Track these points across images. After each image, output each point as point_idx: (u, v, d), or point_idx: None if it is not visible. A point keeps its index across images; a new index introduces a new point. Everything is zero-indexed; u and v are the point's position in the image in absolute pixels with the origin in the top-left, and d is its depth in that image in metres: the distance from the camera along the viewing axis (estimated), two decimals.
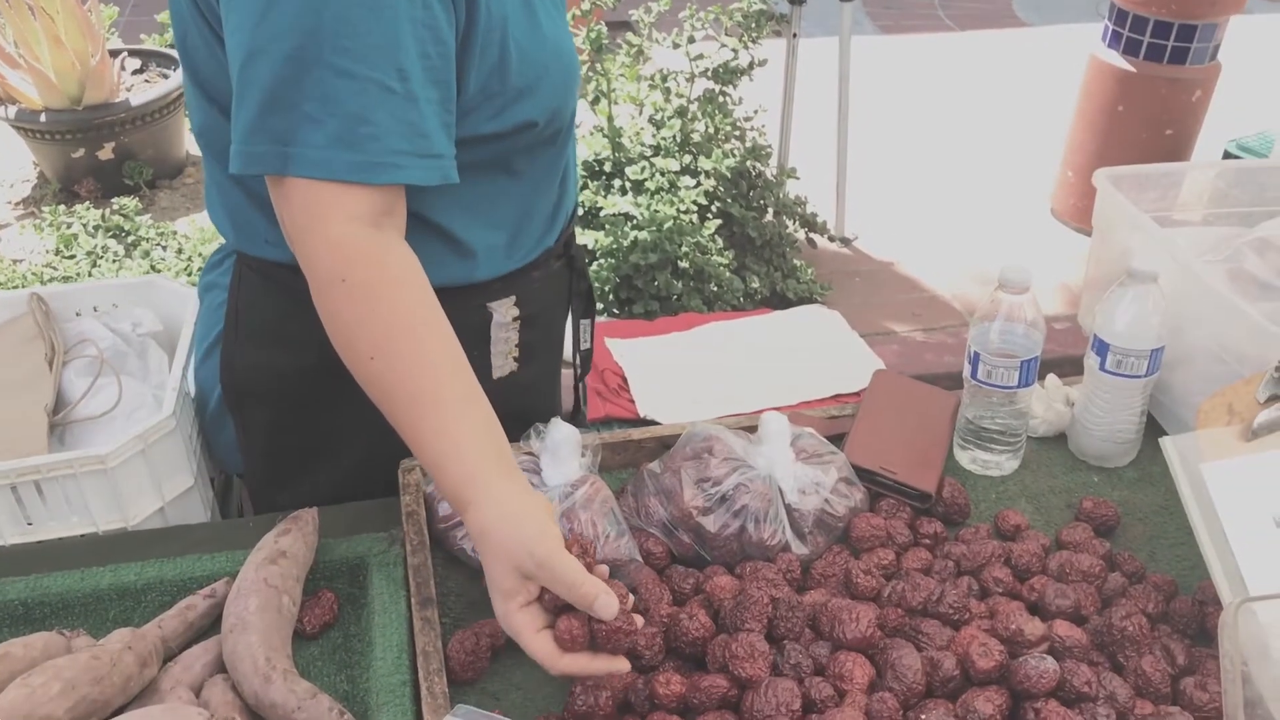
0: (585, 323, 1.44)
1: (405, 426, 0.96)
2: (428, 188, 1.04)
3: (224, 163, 1.15)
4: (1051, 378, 1.40)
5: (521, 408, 1.31)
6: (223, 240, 1.28)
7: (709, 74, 3.17)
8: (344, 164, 0.95)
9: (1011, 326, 1.23)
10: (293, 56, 0.93)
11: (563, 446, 1.15)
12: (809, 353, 2.37)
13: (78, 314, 1.48)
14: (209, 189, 1.23)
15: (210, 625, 1.05)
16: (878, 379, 1.39)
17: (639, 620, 0.93)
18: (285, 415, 1.28)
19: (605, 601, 0.87)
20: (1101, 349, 1.25)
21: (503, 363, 1.30)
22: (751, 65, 3.15)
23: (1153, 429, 1.33)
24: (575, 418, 1.56)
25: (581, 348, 1.46)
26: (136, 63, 3.76)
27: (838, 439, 1.28)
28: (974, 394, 1.27)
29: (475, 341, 1.25)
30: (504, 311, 1.26)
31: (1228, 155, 3.16)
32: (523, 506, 0.92)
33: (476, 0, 1.01)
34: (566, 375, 1.52)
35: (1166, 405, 1.36)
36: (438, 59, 0.98)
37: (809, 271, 3.18)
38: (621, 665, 0.92)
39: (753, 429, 1.22)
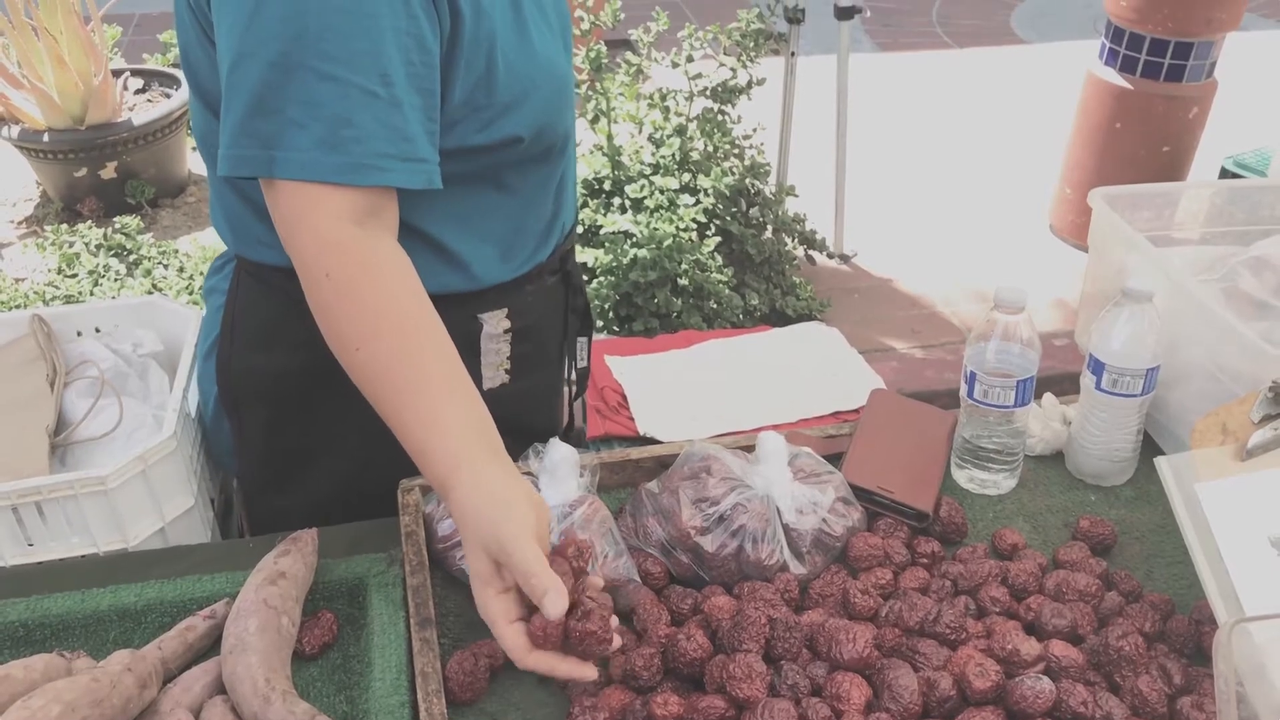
0: (582, 340, 1.45)
1: (391, 415, 0.97)
2: (417, 197, 1.07)
3: (235, 184, 1.17)
4: (1048, 397, 1.41)
5: (515, 421, 1.31)
6: (225, 246, 1.30)
7: (708, 93, 3.19)
8: (329, 166, 0.97)
9: (1008, 346, 1.24)
10: (277, 62, 0.95)
11: (561, 466, 1.15)
12: (808, 370, 2.37)
13: (79, 334, 1.49)
14: (211, 196, 1.26)
15: (210, 646, 1.06)
16: (875, 398, 1.40)
17: (617, 641, 0.93)
18: (280, 418, 1.29)
19: (553, 599, 0.86)
20: (1097, 368, 1.25)
21: (494, 374, 1.30)
22: (750, 84, 3.17)
23: (1149, 448, 1.34)
24: (569, 435, 1.57)
25: (578, 365, 1.46)
26: (139, 82, 3.78)
27: (835, 458, 1.28)
28: (971, 413, 1.28)
29: (465, 351, 1.25)
30: (495, 323, 1.27)
31: (1225, 172, 3.17)
32: (503, 491, 0.92)
33: (460, 13, 1.02)
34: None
35: (1163, 424, 1.36)
36: (422, 66, 1.00)
37: (808, 288, 3.19)
38: (588, 673, 0.91)
39: (750, 448, 1.22)
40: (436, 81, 1.03)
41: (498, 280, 1.25)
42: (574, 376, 1.47)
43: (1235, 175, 3.14)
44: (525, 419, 1.34)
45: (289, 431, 1.29)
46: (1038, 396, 1.39)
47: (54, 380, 1.38)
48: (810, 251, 3.41)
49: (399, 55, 0.97)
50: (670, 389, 2.29)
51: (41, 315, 1.45)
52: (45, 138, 3.39)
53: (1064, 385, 1.47)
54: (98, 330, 1.49)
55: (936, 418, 1.36)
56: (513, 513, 0.91)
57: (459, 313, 1.22)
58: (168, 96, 3.71)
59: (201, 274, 3.01)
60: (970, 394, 1.26)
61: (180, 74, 3.87)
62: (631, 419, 2.20)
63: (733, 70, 3.16)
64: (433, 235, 1.16)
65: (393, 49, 0.97)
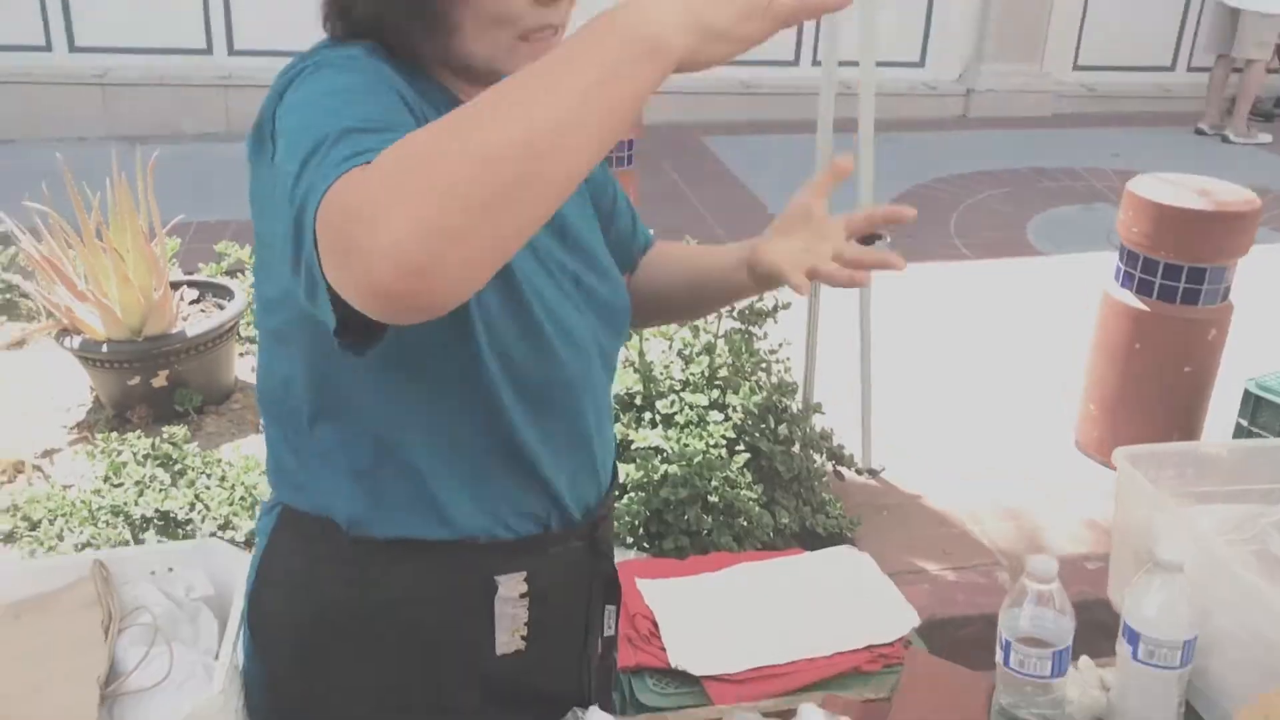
0: (611, 609, 1.37)
1: (565, 91, 0.82)
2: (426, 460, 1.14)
3: (277, 421, 1.23)
4: (1084, 659, 1.42)
5: (532, 689, 1.29)
6: None
7: (735, 314, 3.32)
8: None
9: (1042, 612, 1.26)
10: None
11: None
12: (841, 599, 2.37)
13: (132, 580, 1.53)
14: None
15: None
16: (911, 660, 1.41)
17: None
18: (306, 664, 1.29)
19: None
20: (1133, 638, 1.27)
21: (509, 640, 1.25)
22: (775, 308, 3.31)
23: (1192, 717, 1.33)
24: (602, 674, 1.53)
25: (604, 634, 1.38)
26: (194, 293, 3.98)
27: None
28: (1007, 682, 1.28)
29: (478, 614, 1.23)
30: (511, 586, 1.22)
31: (1248, 395, 3.22)
32: None
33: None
34: None
35: (1203, 690, 1.36)
36: None
37: (838, 505, 3.21)
38: None
39: (791, 714, 1.23)
40: None
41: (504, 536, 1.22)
42: (600, 646, 1.38)
43: (1259, 398, 3.19)
44: (544, 688, 1.30)
45: (315, 678, 1.29)
46: (1075, 653, 1.39)
47: (108, 627, 1.42)
48: (839, 467, 3.45)
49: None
50: (702, 617, 2.29)
51: (102, 560, 1.50)
52: (104, 348, 3.55)
53: (1097, 610, 1.46)
54: (153, 573, 1.54)
55: (971, 682, 1.37)
56: None
57: (474, 569, 1.21)
58: (221, 308, 3.89)
59: (243, 484, 3.08)
60: (1006, 662, 1.27)
61: (233, 284, 4.08)
62: (663, 649, 2.20)
63: (759, 294, 3.30)
64: (437, 497, 1.18)
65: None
